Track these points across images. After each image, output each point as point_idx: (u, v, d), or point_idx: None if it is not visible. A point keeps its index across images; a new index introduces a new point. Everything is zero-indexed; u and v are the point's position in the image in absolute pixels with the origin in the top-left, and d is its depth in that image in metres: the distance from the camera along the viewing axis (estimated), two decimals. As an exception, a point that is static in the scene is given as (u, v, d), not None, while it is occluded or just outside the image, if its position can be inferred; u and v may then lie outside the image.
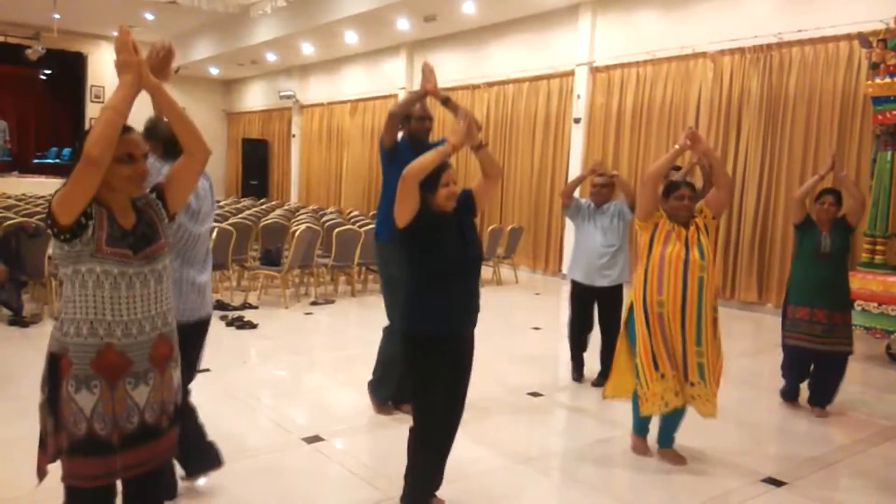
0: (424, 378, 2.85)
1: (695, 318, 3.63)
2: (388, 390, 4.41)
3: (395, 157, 4.16)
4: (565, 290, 10.19)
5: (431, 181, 2.77)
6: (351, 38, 13.98)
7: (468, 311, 2.93)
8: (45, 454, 2.12)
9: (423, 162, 2.69)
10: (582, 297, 5.21)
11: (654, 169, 3.77)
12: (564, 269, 11.01)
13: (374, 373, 4.47)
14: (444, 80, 15.86)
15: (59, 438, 2.07)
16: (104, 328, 2.06)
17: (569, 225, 11.03)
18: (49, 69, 19.93)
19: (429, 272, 2.81)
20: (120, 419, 2.09)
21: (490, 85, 12.51)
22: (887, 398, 5.37)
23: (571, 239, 10.84)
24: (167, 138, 2.84)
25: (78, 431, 2.04)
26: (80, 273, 2.05)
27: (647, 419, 3.85)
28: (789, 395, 4.90)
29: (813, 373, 4.77)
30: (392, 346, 4.30)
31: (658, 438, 3.91)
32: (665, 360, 3.62)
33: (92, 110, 19.03)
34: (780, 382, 4.97)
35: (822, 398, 4.73)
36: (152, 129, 2.87)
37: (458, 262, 2.83)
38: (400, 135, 4.41)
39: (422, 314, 2.83)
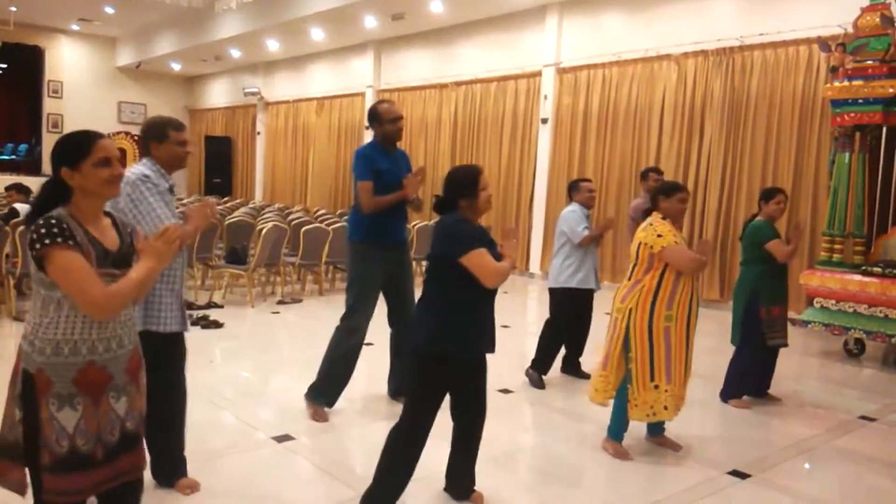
0: (431, 393, 2.88)
1: (694, 323, 3.76)
2: (330, 395, 4.29)
3: (367, 166, 4.18)
4: (532, 288, 10.28)
5: (472, 187, 2.84)
6: (317, 35, 13.87)
7: (493, 330, 2.98)
8: None
9: (505, 269, 2.79)
10: (586, 303, 5.35)
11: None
12: (533, 270, 11.08)
13: (319, 375, 4.31)
14: (411, 79, 15.74)
15: (40, 456, 2.00)
16: (87, 346, 2.03)
17: (537, 225, 11.11)
18: (5, 63, 19.39)
19: (476, 293, 2.81)
20: (104, 433, 2.06)
21: (458, 84, 12.53)
22: (846, 392, 5.52)
23: (539, 239, 11.00)
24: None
25: (60, 449, 1.99)
26: (67, 296, 2.00)
27: (627, 424, 3.83)
28: (761, 392, 5.01)
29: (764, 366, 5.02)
30: (345, 344, 4.22)
31: (649, 430, 4.03)
32: (663, 373, 3.66)
33: (49, 105, 18.55)
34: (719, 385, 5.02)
35: (767, 386, 5.06)
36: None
37: None
38: (371, 135, 4.40)
39: (460, 334, 2.84)
